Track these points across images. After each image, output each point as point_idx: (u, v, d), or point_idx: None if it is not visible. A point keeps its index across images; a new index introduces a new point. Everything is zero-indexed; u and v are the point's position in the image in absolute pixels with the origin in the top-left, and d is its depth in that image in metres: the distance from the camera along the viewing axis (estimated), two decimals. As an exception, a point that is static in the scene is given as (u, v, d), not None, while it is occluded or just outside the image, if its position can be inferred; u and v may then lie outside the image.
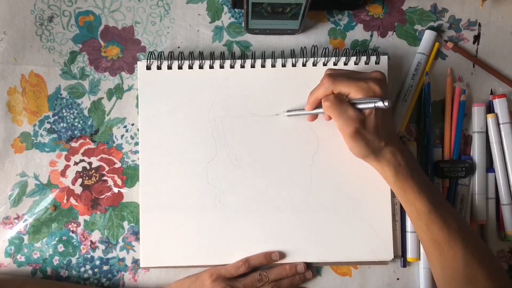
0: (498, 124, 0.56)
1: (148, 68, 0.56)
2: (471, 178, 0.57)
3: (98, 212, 0.56)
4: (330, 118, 0.51)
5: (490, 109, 0.58)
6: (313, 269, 0.56)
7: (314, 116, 0.54)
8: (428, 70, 0.58)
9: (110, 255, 0.56)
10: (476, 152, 0.56)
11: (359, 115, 0.46)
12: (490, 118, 0.56)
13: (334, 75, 0.47)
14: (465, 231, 0.47)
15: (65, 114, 0.57)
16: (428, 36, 0.57)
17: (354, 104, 0.47)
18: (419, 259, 0.56)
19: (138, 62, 0.56)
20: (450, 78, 0.58)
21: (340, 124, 0.47)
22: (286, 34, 0.58)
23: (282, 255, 0.55)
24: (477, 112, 0.57)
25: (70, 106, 0.57)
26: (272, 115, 0.55)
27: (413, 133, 0.58)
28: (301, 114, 0.53)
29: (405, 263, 0.56)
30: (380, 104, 0.45)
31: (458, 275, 0.46)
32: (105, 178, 0.57)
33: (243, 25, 0.58)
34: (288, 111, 0.55)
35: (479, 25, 0.59)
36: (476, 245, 0.47)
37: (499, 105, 0.56)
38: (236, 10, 0.58)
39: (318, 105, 0.50)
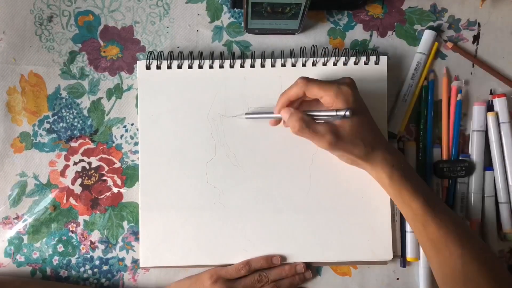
0: (498, 123, 0.56)
1: (148, 68, 0.56)
2: (469, 176, 0.57)
3: (98, 212, 0.56)
4: (275, 124, 0.53)
5: (489, 109, 0.57)
6: (313, 269, 0.56)
7: (277, 121, 0.53)
8: (428, 70, 0.58)
9: (109, 255, 0.56)
10: (475, 151, 0.56)
11: (331, 128, 0.46)
12: (491, 116, 0.56)
13: (308, 78, 0.48)
14: (462, 230, 0.47)
15: (64, 114, 0.57)
16: (427, 35, 0.57)
17: (314, 113, 0.47)
18: (419, 259, 0.56)
19: (137, 62, 0.56)
20: (446, 77, 0.58)
21: (315, 142, 0.48)
22: (285, 34, 0.58)
23: (283, 259, 0.55)
24: (477, 111, 0.57)
25: (69, 106, 0.57)
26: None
27: (413, 133, 0.58)
28: (261, 117, 0.52)
29: (404, 263, 0.56)
30: (340, 113, 0.45)
31: (457, 274, 0.46)
32: (104, 178, 0.57)
33: (242, 25, 0.58)
34: (247, 113, 0.54)
35: (479, 25, 0.59)
36: (474, 244, 0.47)
37: (499, 104, 0.56)
38: (236, 10, 0.58)
39: (289, 106, 0.50)
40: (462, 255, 0.46)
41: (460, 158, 0.56)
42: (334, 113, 0.46)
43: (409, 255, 0.56)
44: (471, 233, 0.49)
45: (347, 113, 0.45)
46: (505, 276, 0.47)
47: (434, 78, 0.58)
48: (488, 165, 0.57)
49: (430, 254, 0.49)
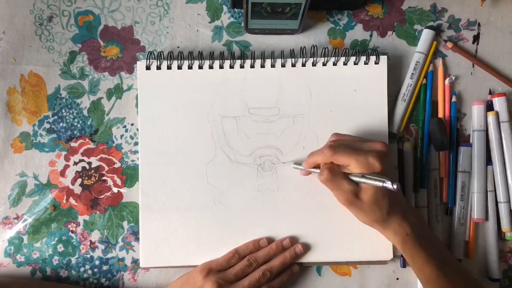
0: (498, 123, 0.56)
1: (148, 68, 0.56)
2: (470, 174, 0.57)
3: (98, 212, 0.56)
4: (306, 174, 0.54)
5: (488, 108, 0.57)
6: (303, 245, 0.55)
7: (308, 173, 0.54)
8: (427, 69, 0.58)
9: (109, 255, 0.56)
10: (476, 151, 0.56)
11: (353, 188, 0.47)
12: (491, 115, 0.56)
13: (335, 147, 0.48)
14: None
15: (64, 114, 0.57)
16: (426, 35, 0.57)
17: (356, 177, 0.48)
18: None
19: (137, 62, 0.56)
20: (442, 75, 0.58)
21: (334, 194, 0.49)
22: (285, 34, 0.57)
23: (270, 241, 0.55)
24: (477, 110, 0.57)
25: (69, 106, 0.57)
26: (272, 115, 0.55)
27: (413, 133, 0.58)
28: (299, 168, 0.53)
29: (404, 264, 0.56)
30: (388, 185, 0.45)
31: None
32: (104, 178, 0.57)
33: (242, 25, 0.58)
34: (295, 163, 0.54)
35: (479, 25, 0.59)
36: None
37: (499, 103, 0.56)
38: (236, 10, 0.58)
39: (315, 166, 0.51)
40: None
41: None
42: (380, 184, 0.46)
43: None
44: None
45: (395, 186, 0.45)
46: None
47: (432, 69, 0.58)
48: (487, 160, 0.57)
49: None
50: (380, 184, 0.46)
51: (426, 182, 0.56)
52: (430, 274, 0.48)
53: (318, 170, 0.50)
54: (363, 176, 0.47)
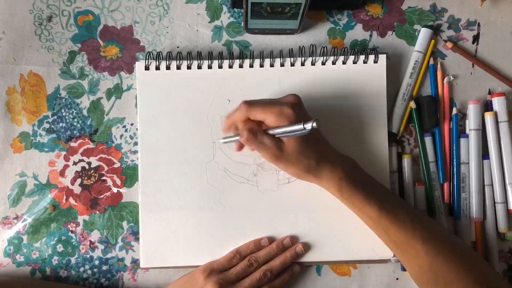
0: (496, 123, 0.56)
1: (147, 68, 0.56)
2: (469, 171, 0.57)
3: (97, 212, 0.56)
4: (240, 148, 0.53)
5: (487, 108, 0.57)
6: (303, 244, 0.54)
7: (241, 146, 0.53)
8: (425, 68, 0.58)
9: (109, 255, 0.56)
10: (473, 150, 0.56)
11: (276, 142, 0.47)
12: (489, 115, 0.56)
13: (250, 102, 0.48)
14: (424, 227, 0.48)
15: (64, 114, 0.57)
16: (424, 34, 0.57)
17: (276, 130, 0.47)
18: None
19: (136, 62, 0.56)
20: (440, 76, 0.58)
21: (260, 154, 0.49)
22: (285, 34, 0.57)
23: (271, 240, 0.55)
24: (473, 109, 0.57)
25: (69, 106, 0.57)
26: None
27: (413, 133, 0.58)
28: (231, 140, 0.52)
29: (404, 267, 0.56)
30: (307, 126, 0.43)
31: (426, 272, 0.47)
32: (104, 178, 0.56)
33: (242, 25, 0.58)
34: (223, 138, 0.53)
35: (478, 25, 0.59)
36: (438, 239, 0.47)
37: (498, 103, 0.56)
38: (236, 10, 0.58)
39: (235, 129, 0.50)
40: (427, 253, 0.46)
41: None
42: (301, 127, 0.44)
43: None
44: (434, 227, 0.49)
45: (314, 124, 0.43)
46: (474, 262, 0.47)
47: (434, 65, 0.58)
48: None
49: (398, 256, 0.50)
50: (300, 126, 0.44)
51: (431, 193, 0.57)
52: (373, 214, 0.48)
53: (237, 138, 0.49)
54: (281, 127, 0.46)
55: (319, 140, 0.50)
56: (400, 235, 0.47)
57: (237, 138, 0.50)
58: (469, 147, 0.56)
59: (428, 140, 0.57)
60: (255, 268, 0.53)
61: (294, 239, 0.55)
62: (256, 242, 0.54)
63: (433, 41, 0.58)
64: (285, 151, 0.47)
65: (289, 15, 0.52)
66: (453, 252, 0.47)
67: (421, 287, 0.49)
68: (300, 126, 0.44)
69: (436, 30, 0.58)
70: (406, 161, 0.57)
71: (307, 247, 0.55)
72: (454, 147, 0.57)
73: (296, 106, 0.48)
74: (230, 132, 0.50)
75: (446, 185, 0.57)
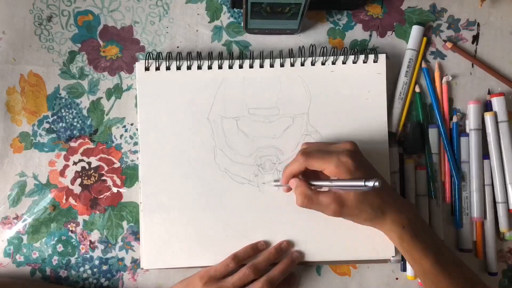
0: (496, 123, 0.56)
1: (147, 69, 0.56)
2: (469, 169, 0.57)
3: (97, 212, 0.56)
4: (289, 190, 0.53)
5: (487, 108, 0.57)
6: (299, 252, 0.55)
7: (290, 189, 0.53)
8: (419, 66, 0.58)
9: (109, 255, 0.56)
10: (473, 149, 0.56)
11: (337, 198, 0.47)
12: (489, 115, 0.56)
13: (307, 152, 0.48)
14: (473, 284, 0.48)
15: (64, 114, 0.57)
16: (415, 31, 0.57)
17: (332, 185, 0.47)
18: None
19: (136, 63, 0.56)
20: (438, 74, 0.58)
21: (321, 212, 0.48)
22: (285, 34, 0.57)
23: (268, 244, 0.54)
24: (473, 109, 0.57)
25: (69, 106, 0.57)
26: (272, 115, 0.55)
27: (412, 133, 0.58)
28: (280, 185, 0.53)
29: (405, 267, 0.56)
30: (368, 184, 0.42)
31: None
32: (104, 178, 0.56)
33: (242, 25, 0.58)
34: (275, 180, 0.54)
35: (478, 25, 0.59)
36: None
37: (497, 103, 0.56)
38: (235, 10, 0.58)
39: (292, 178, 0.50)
40: None
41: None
42: (362, 183, 0.43)
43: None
44: (481, 284, 0.49)
45: (376, 184, 0.41)
46: None
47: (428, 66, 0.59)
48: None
49: None
50: (361, 183, 0.43)
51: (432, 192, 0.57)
52: (429, 267, 0.48)
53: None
54: (341, 180, 0.46)
55: (387, 187, 0.49)
56: None
57: (288, 185, 0.51)
58: (469, 147, 0.56)
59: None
60: (254, 277, 0.52)
61: (290, 243, 0.55)
62: (253, 246, 0.54)
63: (425, 38, 0.58)
64: (346, 205, 0.47)
65: (289, 15, 0.52)
66: None
67: None
68: (361, 183, 0.43)
69: (429, 28, 0.58)
70: (409, 167, 0.57)
71: (307, 247, 0.55)
72: (455, 148, 0.57)
73: (354, 155, 0.47)
74: (288, 179, 0.51)
75: (447, 185, 0.57)
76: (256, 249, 0.54)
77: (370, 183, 0.42)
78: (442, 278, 0.47)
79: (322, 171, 0.48)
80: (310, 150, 0.49)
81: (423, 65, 0.58)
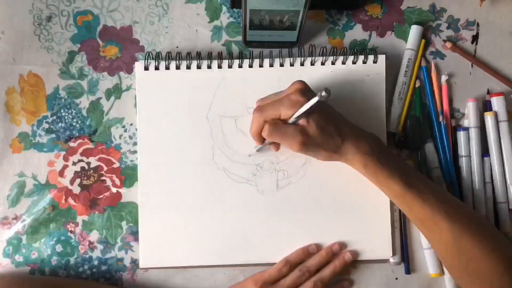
0: (496, 122, 0.56)
1: (146, 68, 0.56)
2: (469, 170, 0.56)
3: (97, 212, 0.56)
4: (277, 148, 0.54)
5: (486, 108, 0.57)
6: (352, 252, 0.55)
7: (278, 145, 0.53)
8: (418, 66, 0.58)
9: (108, 255, 0.56)
10: (474, 147, 0.56)
11: (300, 129, 0.47)
12: (489, 116, 0.56)
13: (261, 107, 0.49)
14: (448, 204, 0.48)
15: (63, 114, 0.57)
16: (414, 31, 0.57)
17: (293, 117, 0.47)
18: (443, 274, 0.55)
19: (135, 63, 0.56)
20: (435, 73, 0.58)
21: (287, 145, 0.49)
22: (284, 48, 0.57)
23: (319, 247, 0.55)
24: (471, 107, 0.57)
25: (68, 106, 0.57)
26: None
27: (412, 133, 0.58)
28: (262, 146, 0.53)
29: (409, 270, 0.56)
30: (319, 95, 0.44)
31: (450, 248, 0.48)
32: (103, 178, 0.56)
33: (241, 29, 0.58)
34: (255, 146, 0.54)
35: (478, 25, 0.59)
36: (462, 216, 0.48)
37: (497, 103, 0.56)
38: (235, 10, 0.58)
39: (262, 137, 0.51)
40: (451, 229, 0.47)
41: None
42: (315, 100, 0.44)
43: (432, 271, 0.55)
44: (459, 204, 0.50)
45: (323, 93, 0.43)
46: (498, 239, 0.48)
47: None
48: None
49: (423, 232, 0.51)
50: (315, 100, 0.44)
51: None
52: (398, 190, 0.48)
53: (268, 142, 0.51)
54: (297, 112, 0.47)
55: (338, 120, 0.50)
56: (424, 211, 0.48)
57: (266, 141, 0.51)
58: (470, 145, 0.56)
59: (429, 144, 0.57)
60: (306, 278, 0.53)
61: (342, 245, 0.55)
62: (304, 249, 0.54)
63: (423, 40, 0.58)
64: (310, 135, 0.47)
65: (288, 25, 0.52)
66: (477, 229, 0.47)
67: (445, 263, 0.50)
68: (315, 99, 0.44)
69: (428, 28, 0.58)
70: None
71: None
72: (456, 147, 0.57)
73: (303, 91, 0.48)
74: (260, 141, 0.51)
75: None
76: (307, 252, 0.54)
77: (321, 93, 0.43)
78: (413, 199, 0.48)
79: (280, 118, 0.48)
80: (263, 104, 0.49)
81: (423, 63, 0.58)
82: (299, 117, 0.47)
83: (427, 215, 0.48)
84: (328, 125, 0.48)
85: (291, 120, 0.48)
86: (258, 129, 0.50)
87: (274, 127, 0.48)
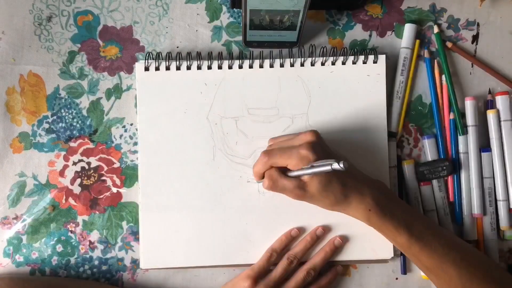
0: (499, 121, 0.56)
1: (146, 69, 0.56)
2: (469, 170, 0.57)
3: (97, 212, 0.56)
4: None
5: (488, 107, 0.57)
6: (341, 237, 0.55)
7: None
8: (414, 65, 0.58)
9: (109, 255, 0.56)
10: (472, 145, 0.56)
11: (297, 184, 0.47)
12: (491, 114, 0.56)
13: (269, 152, 0.49)
14: (455, 251, 0.48)
15: (63, 114, 0.57)
16: (408, 29, 0.57)
17: (297, 173, 0.47)
18: None
19: (136, 63, 0.56)
20: (438, 72, 0.58)
21: (286, 196, 0.49)
22: (284, 48, 0.57)
23: (301, 230, 0.55)
24: (470, 106, 0.57)
25: (68, 106, 0.57)
26: (272, 116, 0.55)
27: (412, 133, 0.58)
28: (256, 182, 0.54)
29: (405, 270, 0.56)
30: (335, 167, 0.43)
31: None
32: (104, 178, 0.56)
33: (241, 29, 0.58)
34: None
35: (478, 25, 0.59)
36: (470, 261, 0.48)
37: (501, 102, 0.56)
38: (235, 10, 0.58)
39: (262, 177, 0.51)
40: (460, 276, 0.47)
41: (440, 158, 0.56)
42: (329, 168, 0.44)
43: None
44: (467, 250, 0.49)
45: (341, 165, 0.42)
46: (506, 282, 0.48)
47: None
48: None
49: (432, 279, 0.50)
50: (328, 168, 0.44)
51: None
52: (404, 242, 0.48)
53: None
54: (301, 169, 0.47)
55: (345, 173, 0.49)
56: (431, 261, 0.48)
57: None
58: (468, 144, 0.56)
59: (431, 141, 0.57)
60: (295, 265, 0.53)
61: (326, 228, 0.55)
62: (287, 234, 0.54)
63: (417, 40, 0.58)
64: (309, 191, 0.48)
65: (288, 25, 0.52)
66: (486, 275, 0.47)
67: None
68: (328, 168, 0.44)
69: (418, 24, 0.58)
70: (407, 167, 0.57)
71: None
72: (453, 147, 0.57)
73: (314, 146, 0.47)
74: (259, 178, 0.51)
75: (450, 183, 0.57)
76: (289, 237, 0.54)
77: (336, 166, 0.43)
78: (420, 249, 0.48)
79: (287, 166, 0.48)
80: (272, 149, 0.50)
81: (426, 55, 0.58)
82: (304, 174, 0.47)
83: (435, 263, 0.48)
84: (331, 182, 0.47)
85: (295, 174, 0.48)
86: (261, 170, 0.50)
87: (273, 184, 0.48)
